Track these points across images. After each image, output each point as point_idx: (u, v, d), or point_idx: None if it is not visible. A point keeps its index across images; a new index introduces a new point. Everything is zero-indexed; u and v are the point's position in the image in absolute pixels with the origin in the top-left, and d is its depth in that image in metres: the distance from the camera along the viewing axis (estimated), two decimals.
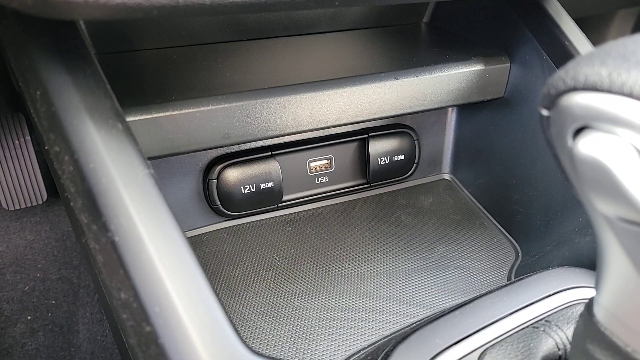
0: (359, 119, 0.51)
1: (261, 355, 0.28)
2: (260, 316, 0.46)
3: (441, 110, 0.63)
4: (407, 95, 0.51)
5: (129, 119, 0.40)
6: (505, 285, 0.40)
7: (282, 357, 0.42)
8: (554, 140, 0.24)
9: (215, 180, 0.52)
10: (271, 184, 0.54)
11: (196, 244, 0.54)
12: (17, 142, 0.87)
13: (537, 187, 0.53)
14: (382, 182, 0.61)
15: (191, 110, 0.42)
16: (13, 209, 0.92)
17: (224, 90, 0.45)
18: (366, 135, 0.58)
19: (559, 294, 0.38)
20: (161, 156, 0.43)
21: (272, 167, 0.54)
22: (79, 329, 1.08)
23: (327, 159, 0.58)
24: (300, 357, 0.43)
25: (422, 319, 0.39)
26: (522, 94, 0.55)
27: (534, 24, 0.52)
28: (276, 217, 0.57)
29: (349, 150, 0.59)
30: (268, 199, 0.55)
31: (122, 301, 0.29)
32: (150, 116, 0.41)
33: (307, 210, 0.59)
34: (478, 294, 0.40)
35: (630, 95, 0.20)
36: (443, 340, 0.34)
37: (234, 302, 0.48)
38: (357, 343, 0.45)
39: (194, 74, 0.48)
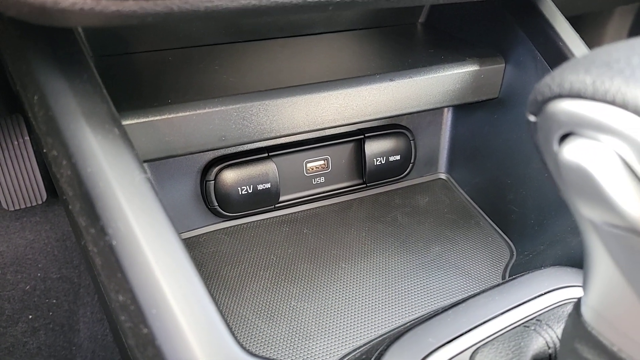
0: (355, 120, 0.51)
1: (256, 356, 0.29)
2: (258, 316, 0.47)
3: (437, 110, 0.63)
4: (402, 96, 0.52)
5: (126, 122, 0.41)
6: (498, 285, 0.41)
7: (278, 357, 0.43)
8: (541, 146, 0.24)
9: (213, 181, 0.53)
10: (268, 185, 0.54)
11: (194, 244, 0.54)
12: (16, 142, 0.87)
13: (531, 186, 0.54)
14: (378, 182, 0.61)
15: (187, 113, 0.43)
16: (13, 209, 0.92)
17: (220, 92, 0.45)
18: (362, 136, 0.59)
19: (550, 293, 0.38)
20: (159, 158, 0.44)
21: (269, 168, 0.54)
22: (79, 328, 1.08)
23: (324, 160, 0.59)
24: (297, 356, 0.44)
25: (416, 318, 0.39)
26: (516, 95, 0.56)
27: (529, 25, 0.53)
28: (273, 217, 0.58)
29: (345, 150, 0.59)
30: (265, 199, 0.55)
31: (120, 303, 0.30)
32: (147, 119, 0.42)
33: (304, 210, 0.60)
34: (472, 292, 0.41)
35: (612, 102, 0.20)
36: (436, 340, 0.35)
37: (231, 302, 0.48)
38: (352, 342, 0.45)
39: (191, 76, 0.48)
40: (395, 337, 0.36)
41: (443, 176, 0.67)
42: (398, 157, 0.60)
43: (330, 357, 0.44)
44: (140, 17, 0.28)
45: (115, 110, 0.34)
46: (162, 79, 0.47)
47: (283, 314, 0.48)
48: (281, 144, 0.56)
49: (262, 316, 0.47)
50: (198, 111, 0.43)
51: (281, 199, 0.57)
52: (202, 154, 0.53)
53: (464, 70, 0.54)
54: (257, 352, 0.43)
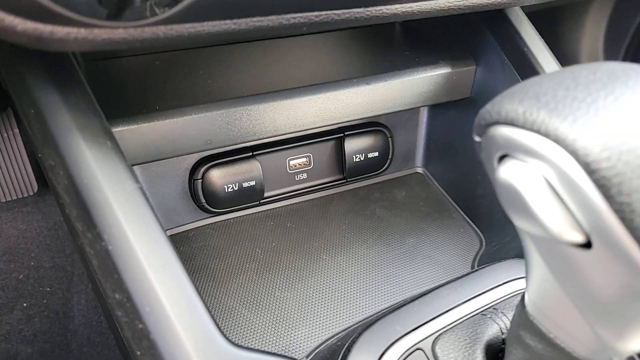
0: (334, 121, 0.54)
1: (240, 346, 0.32)
2: (244, 306, 0.51)
3: (414, 109, 0.67)
4: (378, 98, 0.55)
5: (116, 129, 0.44)
6: (462, 277, 0.45)
7: (263, 344, 0.47)
8: (484, 163, 0.28)
9: (200, 180, 0.56)
10: (253, 183, 0.58)
11: (184, 239, 0.58)
12: (5, 135, 0.89)
13: None
14: (357, 177, 0.65)
15: (174, 119, 0.46)
16: (4, 200, 0.95)
17: (205, 98, 0.48)
18: (342, 134, 0.62)
19: (507, 284, 0.43)
20: (148, 161, 0.47)
21: (253, 167, 0.57)
22: (74, 315, 1.11)
23: (306, 157, 0.62)
24: (280, 343, 0.48)
25: (388, 307, 0.43)
26: (486, 95, 0.59)
27: (498, 31, 0.56)
28: (258, 212, 0.61)
29: (326, 148, 0.63)
30: (250, 196, 0.58)
31: (117, 300, 0.33)
32: (136, 126, 0.45)
33: (288, 205, 0.63)
34: (441, 282, 0.45)
35: (538, 132, 0.24)
36: (402, 328, 0.39)
37: (219, 294, 0.52)
38: (331, 328, 0.49)
39: (176, 82, 0.51)
40: (367, 325, 0.40)
41: (420, 170, 0.70)
42: (376, 154, 0.64)
43: (311, 343, 0.48)
44: (129, 43, 0.31)
45: (107, 123, 0.37)
46: (149, 85, 0.50)
47: (267, 304, 0.51)
48: (265, 144, 0.59)
49: (248, 306, 0.51)
50: (184, 117, 0.46)
51: (265, 194, 0.60)
52: (191, 154, 0.56)
53: (437, 72, 0.57)
54: (243, 341, 0.47)
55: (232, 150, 0.58)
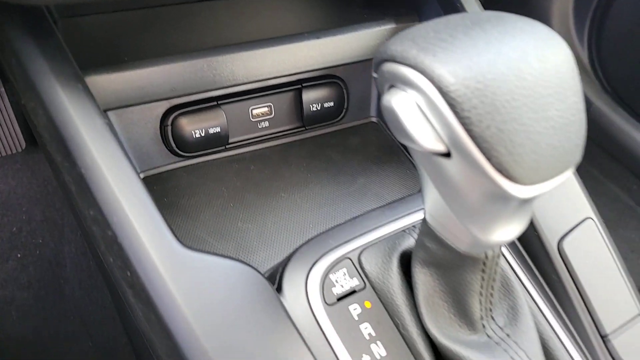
0: (289, 72, 0.61)
1: (194, 249, 0.40)
2: (210, 235, 0.58)
3: (367, 61, 0.73)
4: (329, 51, 0.61)
5: (89, 78, 0.50)
6: (393, 202, 0.52)
7: None
8: (380, 94, 0.35)
9: (170, 126, 0.62)
10: (218, 129, 0.64)
11: (157, 180, 0.64)
12: None
13: None
14: (315, 125, 0.71)
15: (141, 69, 0.52)
16: None
17: (169, 51, 0.54)
18: (300, 86, 0.68)
19: None
20: (120, 107, 0.53)
21: (218, 114, 0.64)
22: (66, 264, 1.19)
23: (267, 107, 0.68)
24: None
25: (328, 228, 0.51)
26: None
27: None
28: (224, 157, 0.68)
29: (286, 98, 0.69)
30: (216, 141, 0.65)
31: (91, 217, 0.40)
32: (107, 75, 0.51)
33: (251, 151, 0.70)
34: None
35: (410, 65, 0.30)
36: (335, 242, 0.47)
37: (188, 225, 0.59)
38: (286, 252, 0.57)
39: (144, 36, 0.57)
40: (305, 241, 0.47)
41: (374, 119, 0.77)
42: (332, 104, 0.70)
43: (268, 264, 0.56)
44: None
45: (79, 70, 0.43)
46: (119, 39, 0.56)
47: (231, 234, 0.59)
48: (229, 94, 0.65)
49: (214, 235, 0.58)
50: (150, 68, 0.52)
51: (230, 140, 0.67)
52: (160, 103, 0.62)
53: (383, 27, 0.63)
54: None
55: (199, 100, 0.64)
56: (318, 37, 0.59)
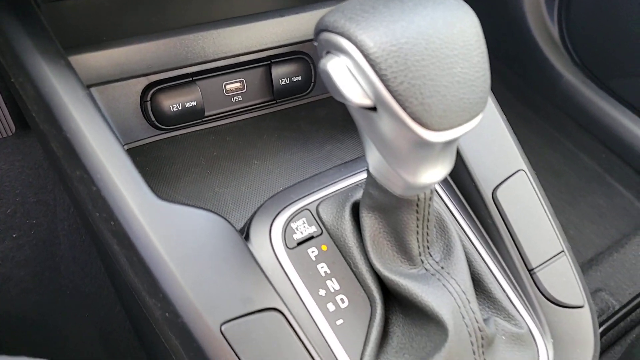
0: (259, 48, 0.66)
1: (168, 200, 0.46)
2: (189, 199, 0.64)
3: None
4: (294, 28, 0.67)
5: (71, 57, 0.55)
6: (350, 161, 0.58)
7: None
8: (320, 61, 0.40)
9: (149, 101, 0.68)
10: (194, 103, 0.70)
11: (139, 151, 0.70)
12: None
13: None
14: (285, 98, 0.77)
15: (119, 48, 0.57)
16: None
17: (145, 30, 0.59)
18: (270, 62, 0.74)
19: None
20: (101, 83, 0.59)
21: (193, 90, 0.69)
22: (60, 242, 1.24)
23: (240, 82, 0.74)
24: None
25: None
26: None
27: None
28: (201, 129, 0.74)
29: (257, 74, 0.75)
30: (193, 114, 0.71)
31: (77, 177, 0.46)
32: (88, 54, 0.56)
33: (226, 123, 0.75)
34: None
35: (340, 34, 0.36)
36: (296, 196, 0.53)
37: (169, 190, 0.65)
38: None
39: (121, 17, 0.62)
40: (272, 195, 0.53)
41: None
42: (300, 78, 0.76)
43: (242, 223, 0.62)
44: None
45: (61, 48, 0.49)
46: (97, 21, 0.61)
47: (209, 197, 0.65)
48: (203, 70, 0.71)
49: (192, 199, 0.64)
50: (127, 47, 0.58)
51: (206, 114, 0.73)
52: (140, 79, 0.68)
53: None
54: None
55: (176, 76, 0.69)
56: (282, 15, 0.65)
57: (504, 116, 0.59)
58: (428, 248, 0.48)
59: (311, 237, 0.50)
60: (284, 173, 0.68)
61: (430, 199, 0.45)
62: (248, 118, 0.77)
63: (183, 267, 0.42)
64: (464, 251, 0.52)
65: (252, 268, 0.45)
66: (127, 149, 0.69)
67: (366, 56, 0.35)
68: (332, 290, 0.48)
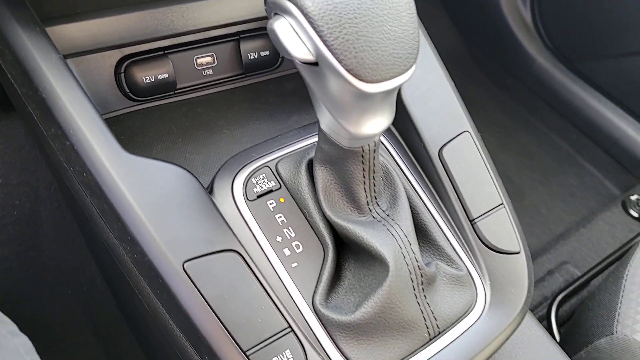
0: (225, 22, 0.70)
1: (138, 155, 0.50)
2: None
3: None
4: (261, 3, 0.71)
5: (47, 27, 0.59)
6: (308, 124, 0.63)
7: None
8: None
9: (123, 73, 0.71)
10: (166, 75, 0.73)
11: (115, 121, 0.74)
12: None
13: None
14: (255, 72, 0.81)
15: (92, 20, 0.61)
16: None
17: (118, 3, 0.63)
18: (238, 37, 0.78)
19: None
20: (75, 54, 0.62)
21: (165, 63, 0.73)
22: (43, 221, 1.27)
23: (210, 56, 0.78)
24: None
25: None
26: None
27: None
28: (174, 101, 0.78)
29: (227, 49, 0.79)
30: (165, 87, 0.74)
31: (52, 134, 0.50)
32: (63, 25, 0.60)
33: (198, 96, 0.79)
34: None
35: None
36: (257, 154, 0.57)
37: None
38: None
39: None
40: (234, 154, 0.58)
41: None
42: (268, 53, 0.80)
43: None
44: None
45: (37, 18, 0.52)
46: None
47: (180, 163, 0.68)
48: (175, 44, 0.75)
49: None
50: (100, 19, 0.61)
51: (178, 86, 0.76)
52: (114, 52, 0.71)
53: None
54: None
55: (149, 49, 0.73)
56: None
57: (452, 82, 0.64)
58: (376, 198, 0.52)
59: (270, 191, 0.55)
60: (252, 141, 0.73)
61: (375, 151, 0.49)
62: (219, 91, 0.81)
63: (149, 211, 0.47)
64: (412, 203, 0.57)
65: (213, 215, 0.50)
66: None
67: (306, 15, 0.39)
68: (288, 237, 0.53)
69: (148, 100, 0.76)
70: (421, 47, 0.65)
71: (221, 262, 0.47)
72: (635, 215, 1.56)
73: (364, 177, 0.50)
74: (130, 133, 0.72)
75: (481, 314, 0.54)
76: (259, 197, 0.54)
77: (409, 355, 0.51)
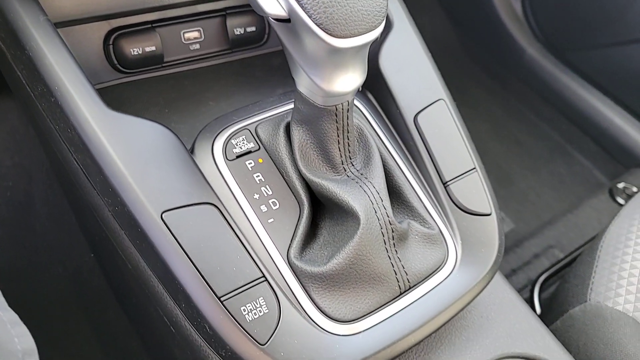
0: None
1: (119, 111, 0.52)
2: None
3: None
4: None
5: None
6: (289, 91, 0.65)
7: None
8: None
9: (112, 45, 0.73)
10: (153, 48, 0.75)
11: (103, 92, 0.75)
12: None
13: None
14: (241, 48, 0.83)
15: None
16: None
17: None
18: (225, 12, 0.80)
19: None
20: (63, 23, 0.64)
21: (153, 36, 0.75)
22: (35, 202, 1.29)
23: (197, 31, 0.80)
24: None
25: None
26: None
27: None
28: (161, 74, 0.80)
29: (214, 24, 0.81)
30: (153, 59, 0.76)
31: (39, 92, 0.52)
32: None
33: (185, 70, 0.81)
34: None
35: None
36: (238, 118, 0.59)
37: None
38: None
39: None
40: (216, 117, 0.60)
41: None
42: (254, 29, 0.82)
43: None
44: None
45: None
46: None
47: None
48: (163, 18, 0.77)
49: None
50: None
51: (165, 60, 0.78)
52: (102, 24, 0.73)
53: None
54: None
55: (137, 23, 0.75)
56: None
57: (430, 54, 0.66)
58: (350, 158, 0.55)
59: (249, 152, 0.57)
60: None
61: (348, 110, 0.51)
62: (206, 66, 0.83)
63: (129, 164, 0.49)
64: (387, 166, 0.59)
65: (192, 170, 0.52)
66: None
67: None
68: (265, 195, 0.55)
69: (136, 72, 0.78)
70: (399, 19, 0.68)
71: (199, 214, 0.49)
72: (622, 202, 1.58)
73: (338, 136, 0.52)
74: (118, 103, 0.74)
75: (452, 271, 0.56)
76: (238, 157, 0.56)
77: (380, 307, 0.53)
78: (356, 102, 0.64)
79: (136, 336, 1.09)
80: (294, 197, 0.55)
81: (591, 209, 1.61)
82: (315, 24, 0.42)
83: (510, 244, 1.48)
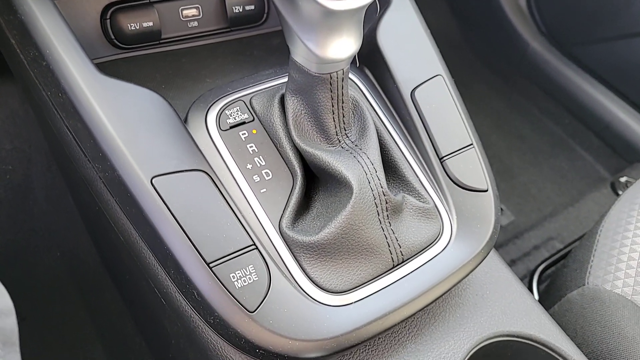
0: None
1: (111, 76, 0.51)
2: None
3: None
4: None
5: None
6: (285, 65, 0.64)
7: None
8: None
9: (109, 19, 0.73)
10: (151, 24, 0.75)
11: (99, 67, 0.75)
12: None
13: None
14: (240, 27, 0.83)
15: None
16: None
17: None
18: None
19: None
20: None
21: (150, 12, 0.74)
22: (34, 186, 1.29)
23: (196, 8, 0.79)
24: None
25: None
26: None
27: None
28: (159, 52, 0.79)
29: (212, 1, 0.80)
30: (150, 35, 0.76)
31: (31, 57, 0.51)
32: None
33: (183, 47, 0.81)
34: None
35: None
36: (232, 89, 0.59)
37: None
38: None
39: None
40: (210, 89, 0.59)
41: None
42: (253, 7, 0.81)
43: None
44: None
45: None
46: None
47: None
48: None
49: None
50: None
51: (163, 36, 0.78)
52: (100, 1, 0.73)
53: None
54: None
55: None
56: None
57: (429, 30, 0.65)
58: (345, 129, 0.54)
59: (243, 123, 0.56)
60: None
61: (343, 80, 0.51)
62: (204, 44, 0.82)
63: (120, 128, 0.48)
64: (383, 141, 0.58)
65: (184, 138, 0.51)
66: None
67: None
68: (258, 165, 0.54)
69: (133, 48, 0.77)
70: None
71: (189, 180, 0.49)
72: None
73: (332, 106, 0.52)
74: (115, 78, 0.74)
75: (446, 246, 0.55)
76: (231, 127, 0.55)
77: (372, 279, 0.52)
78: (353, 77, 0.64)
79: (130, 319, 1.09)
80: (287, 168, 0.55)
81: (593, 202, 1.60)
82: None
83: (510, 236, 1.47)
